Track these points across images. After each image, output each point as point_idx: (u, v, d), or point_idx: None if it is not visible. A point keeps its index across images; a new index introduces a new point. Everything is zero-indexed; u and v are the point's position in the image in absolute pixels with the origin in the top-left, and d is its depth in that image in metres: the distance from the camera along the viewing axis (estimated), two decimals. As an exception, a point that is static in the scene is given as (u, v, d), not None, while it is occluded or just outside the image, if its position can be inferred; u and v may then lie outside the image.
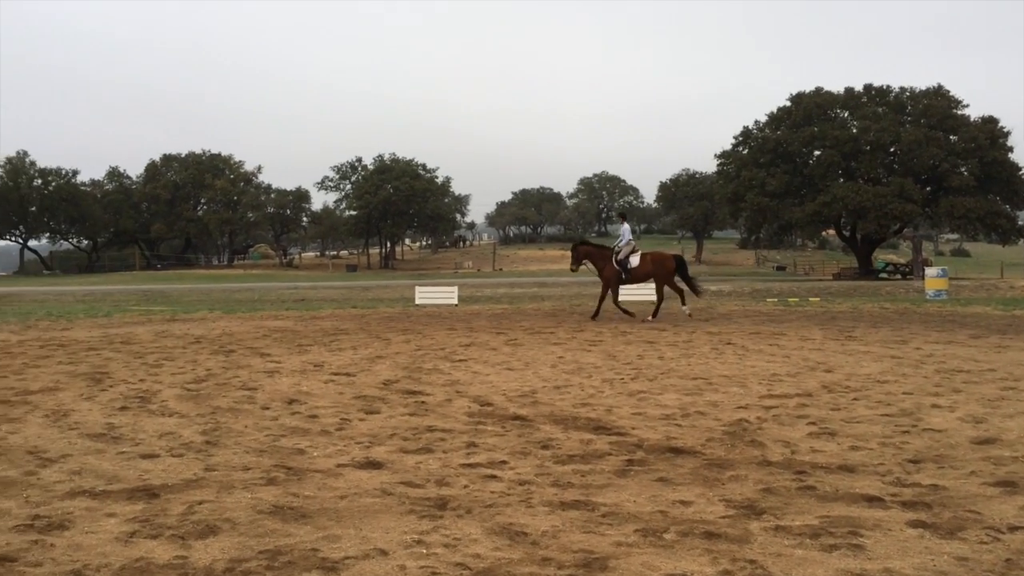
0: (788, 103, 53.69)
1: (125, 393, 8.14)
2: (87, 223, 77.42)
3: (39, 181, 74.75)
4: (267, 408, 7.37)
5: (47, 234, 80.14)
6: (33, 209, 74.51)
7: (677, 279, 17.67)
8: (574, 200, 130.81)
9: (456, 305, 23.23)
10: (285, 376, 9.31)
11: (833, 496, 4.61)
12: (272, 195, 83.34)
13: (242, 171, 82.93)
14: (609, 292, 17.81)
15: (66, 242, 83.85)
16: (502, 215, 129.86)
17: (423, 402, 7.68)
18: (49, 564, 3.66)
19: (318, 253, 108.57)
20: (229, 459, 5.53)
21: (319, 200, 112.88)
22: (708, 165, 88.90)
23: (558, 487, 4.82)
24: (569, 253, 18.74)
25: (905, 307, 20.62)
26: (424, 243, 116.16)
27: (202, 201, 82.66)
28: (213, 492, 4.75)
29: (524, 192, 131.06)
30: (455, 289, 25.28)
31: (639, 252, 17.68)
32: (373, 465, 5.36)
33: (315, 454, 5.68)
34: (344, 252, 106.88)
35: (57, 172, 75.72)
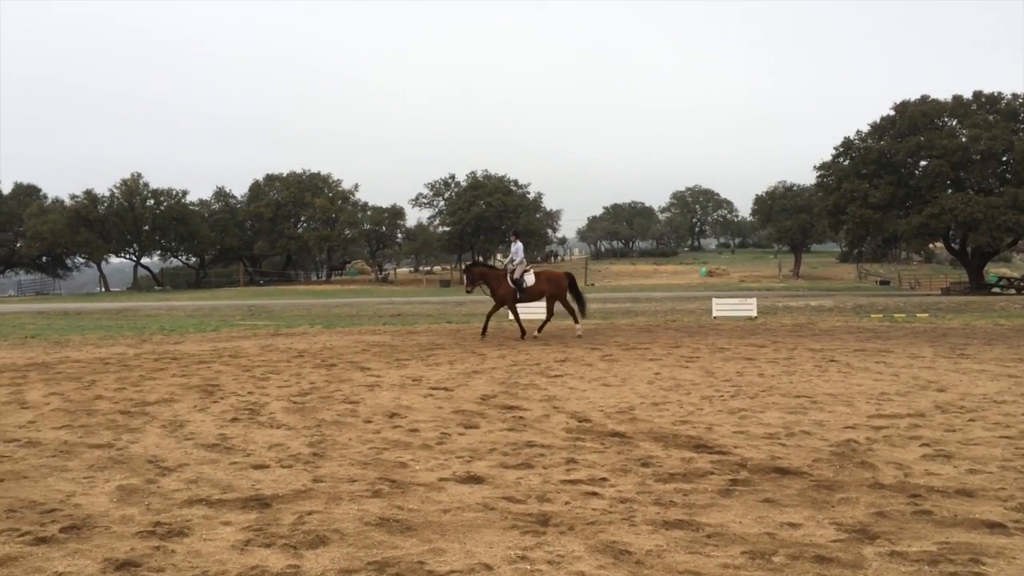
0: (892, 112, 51.84)
1: (235, 405, 8.45)
2: (195, 241, 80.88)
3: (151, 202, 78.49)
4: (369, 421, 7.54)
5: (159, 252, 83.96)
6: (146, 228, 78.24)
7: (569, 297, 17.71)
8: (666, 214, 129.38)
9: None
10: (385, 390, 9.50)
11: (951, 521, 4.41)
12: (368, 212, 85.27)
13: (340, 189, 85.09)
14: (501, 308, 17.69)
15: (176, 259, 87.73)
16: (593, 230, 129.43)
17: (521, 417, 7.72)
18: (171, 570, 3.83)
19: (412, 269, 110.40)
20: (335, 471, 5.67)
21: (413, 217, 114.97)
22: (805, 177, 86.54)
23: (660, 506, 4.77)
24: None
25: (1021, 324, 19.58)
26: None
27: (302, 219, 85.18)
28: (322, 503, 4.88)
29: (615, 207, 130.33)
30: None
31: (532, 270, 17.54)
32: (474, 480, 5.42)
33: (417, 468, 5.78)
34: (437, 267, 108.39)
35: (168, 193, 79.37)
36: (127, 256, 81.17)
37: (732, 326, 19.87)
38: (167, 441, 6.70)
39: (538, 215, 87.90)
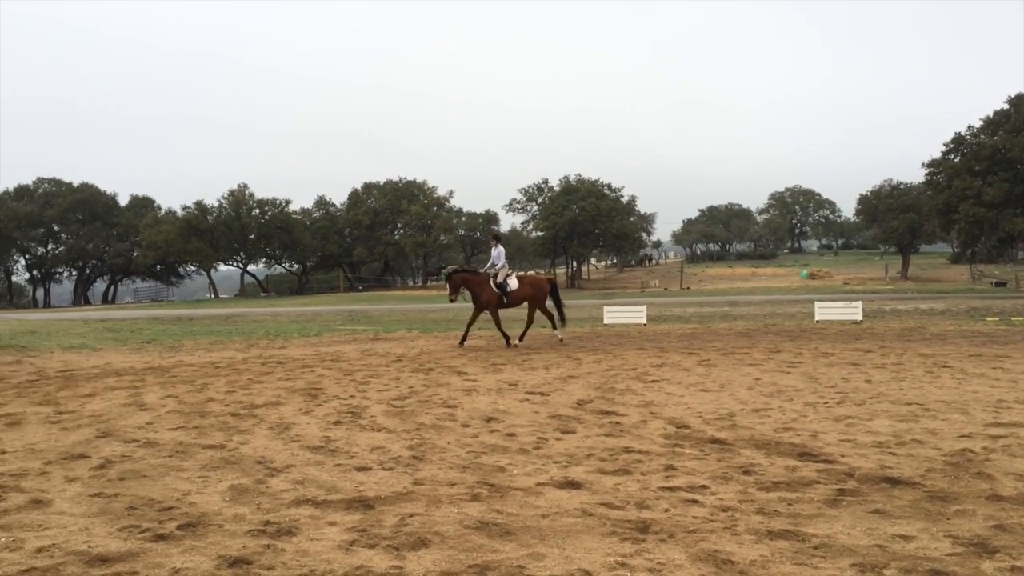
0: (1006, 106, 49.29)
1: (338, 408, 8.68)
2: (298, 248, 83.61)
3: (257, 211, 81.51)
4: (467, 425, 7.62)
5: (263, 259, 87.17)
6: (252, 237, 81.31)
7: (548, 303, 17.28)
8: (764, 216, 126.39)
9: (644, 324, 23.02)
10: (482, 394, 9.60)
11: (1080, 538, 4.16)
12: (463, 218, 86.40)
13: (435, 196, 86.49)
14: (486, 314, 17.09)
15: (280, 266, 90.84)
16: (689, 233, 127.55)
17: (618, 423, 7.67)
18: (280, 568, 3.96)
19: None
20: (435, 474, 5.76)
21: (507, 222, 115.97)
22: (913, 175, 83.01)
23: (764, 515, 4.66)
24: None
25: None
26: (610, 262, 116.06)
27: (399, 225, 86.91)
28: (422, 505, 4.97)
29: (711, 209, 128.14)
30: (643, 308, 25.08)
31: (514, 274, 17.10)
32: (572, 485, 5.41)
33: (515, 472, 5.81)
34: (531, 272, 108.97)
35: (272, 202, 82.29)
36: (234, 264, 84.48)
37: (836, 330, 19.24)
38: (274, 443, 6.93)
39: (632, 218, 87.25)
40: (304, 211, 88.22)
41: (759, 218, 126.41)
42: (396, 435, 7.21)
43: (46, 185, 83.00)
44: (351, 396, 9.57)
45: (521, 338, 16.81)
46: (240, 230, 79.73)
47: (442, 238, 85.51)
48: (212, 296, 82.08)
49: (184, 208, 79.26)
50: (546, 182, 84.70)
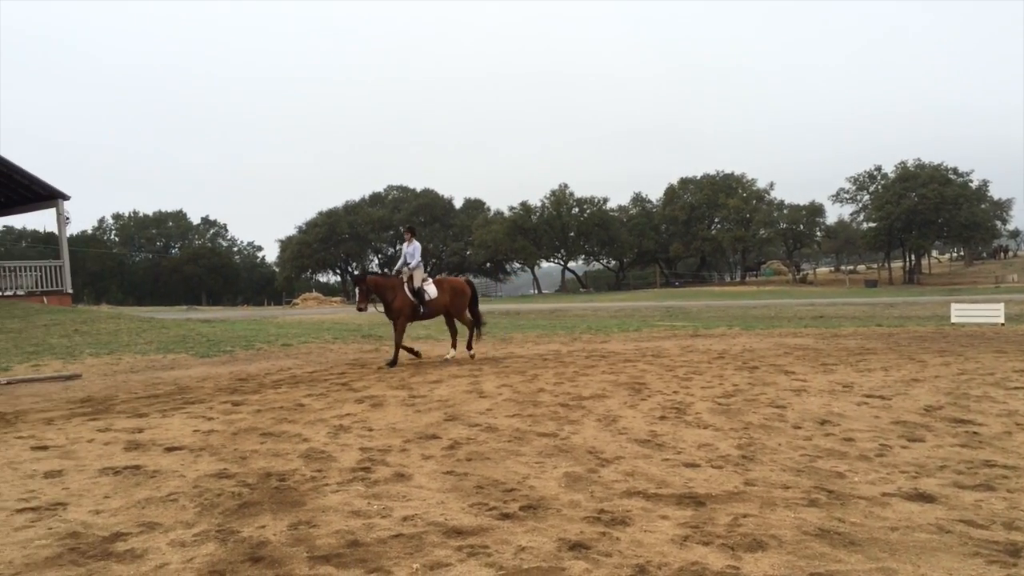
0: None
1: (662, 403, 8.73)
2: (615, 245, 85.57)
3: (576, 210, 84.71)
4: (798, 427, 7.28)
5: (583, 256, 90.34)
6: (572, 234, 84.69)
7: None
8: None
9: (1002, 324, 20.43)
10: (813, 395, 9.10)
11: None
12: (784, 211, 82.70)
13: (754, 189, 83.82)
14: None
15: (598, 263, 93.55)
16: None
17: (975, 433, 6.87)
18: (616, 556, 4.06)
19: (833, 268, 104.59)
20: (767, 475, 5.57)
21: (834, 213, 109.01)
22: None
23: None
24: None
25: None
26: (955, 255, 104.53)
27: (716, 220, 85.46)
28: (756, 507, 4.83)
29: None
30: (1000, 306, 22.24)
31: (430, 279, 14.11)
32: (924, 498, 4.95)
33: (856, 479, 5.44)
34: (861, 267, 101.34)
35: (591, 201, 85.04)
36: (555, 260, 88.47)
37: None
38: (603, 434, 7.13)
39: (983, 205, 77.69)
40: (621, 208, 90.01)
41: None
42: (723, 433, 7.08)
43: (395, 192, 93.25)
44: (674, 392, 9.56)
45: (469, 346, 14.44)
46: (561, 228, 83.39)
47: (762, 232, 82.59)
48: (535, 292, 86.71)
49: (511, 209, 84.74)
50: (879, 169, 78.34)
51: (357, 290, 13.59)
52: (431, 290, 13.83)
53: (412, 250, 13.90)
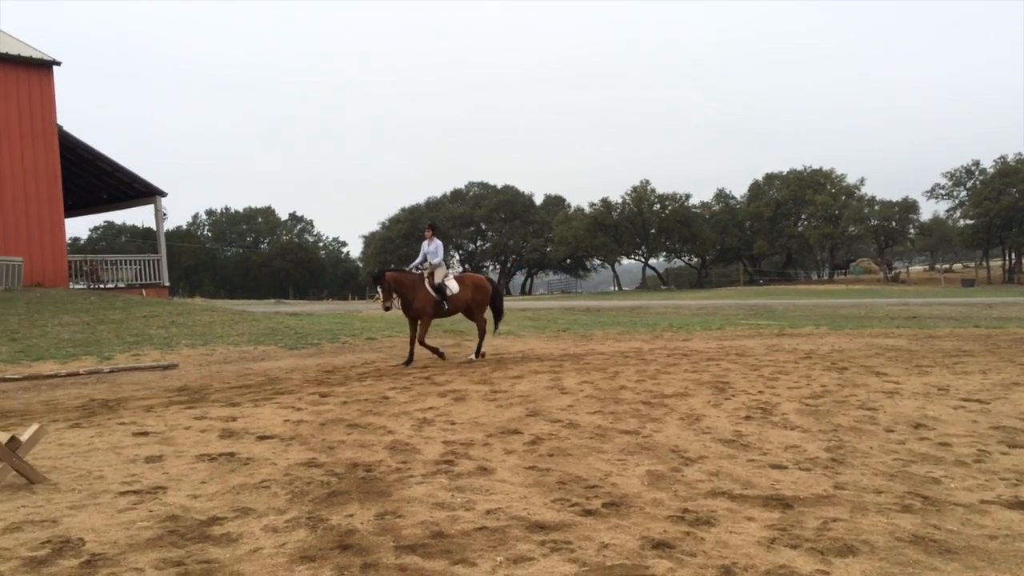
0: None
1: (747, 403, 8.57)
2: (697, 242, 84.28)
3: (657, 206, 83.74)
4: (891, 431, 7.05)
5: (664, 253, 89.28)
6: (653, 231, 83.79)
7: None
8: None
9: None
10: (906, 398, 8.80)
11: None
12: (875, 207, 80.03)
13: (843, 184, 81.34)
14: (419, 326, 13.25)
15: (679, 260, 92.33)
16: None
17: (1083, 441, 6.54)
18: (701, 556, 4.02)
19: (926, 267, 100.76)
20: (858, 479, 5.42)
21: (928, 210, 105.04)
22: None
23: None
24: None
25: None
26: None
27: (803, 217, 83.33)
28: (846, 511, 4.71)
29: None
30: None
31: (452, 274, 13.73)
32: (1026, 507, 4.74)
33: (952, 485, 5.25)
34: (957, 265, 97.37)
35: (672, 197, 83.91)
36: (636, 257, 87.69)
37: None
38: (686, 433, 7.06)
39: (1091, 201, 73.62)
40: (703, 204, 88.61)
41: None
42: (811, 435, 6.91)
43: (476, 188, 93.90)
44: (759, 392, 9.38)
45: (478, 352, 13.87)
46: (642, 225, 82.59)
47: (851, 229, 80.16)
48: (615, 288, 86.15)
49: (591, 205, 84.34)
50: (977, 164, 75.14)
51: (378, 289, 13.03)
52: (452, 285, 13.52)
53: (434, 248, 13.62)
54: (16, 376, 11.79)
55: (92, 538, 4.38)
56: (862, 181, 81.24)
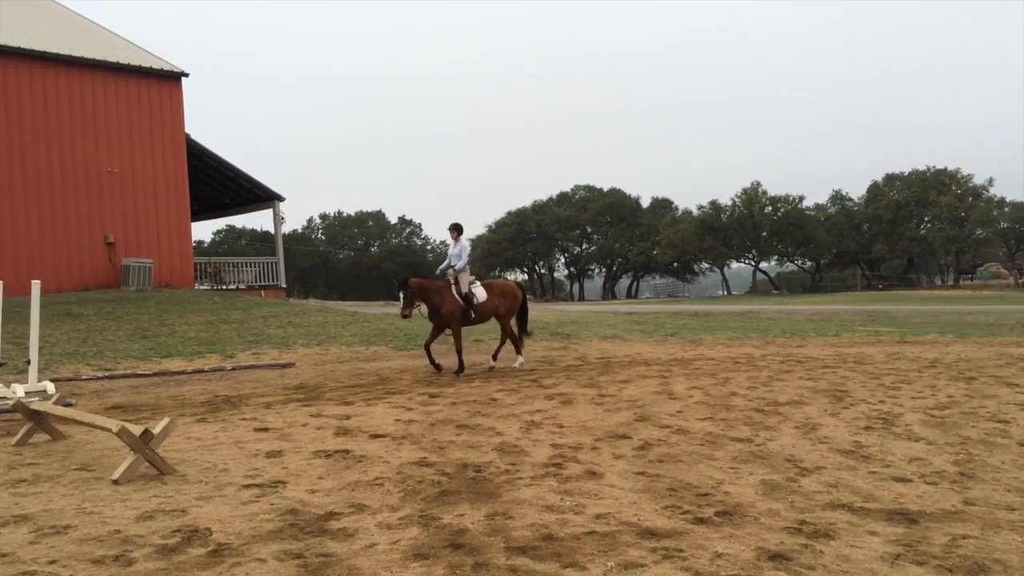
0: None
1: (867, 413, 8.24)
2: (811, 245, 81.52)
3: (769, 208, 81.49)
4: (1025, 445, 6.65)
5: (775, 256, 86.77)
6: (764, 234, 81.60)
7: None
8: None
9: None
10: (1042, 411, 8.28)
11: None
12: (1005, 209, 75.55)
13: (970, 185, 77.14)
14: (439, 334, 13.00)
15: (792, 264, 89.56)
16: None
17: None
18: (820, 570, 3.89)
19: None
20: (989, 495, 5.14)
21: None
22: None
23: None
24: None
25: None
26: None
27: (925, 219, 79.49)
28: (977, 528, 4.47)
29: None
30: None
31: (477, 282, 13.22)
32: None
33: (1096, 506, 4.90)
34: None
35: (785, 199, 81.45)
36: (746, 261, 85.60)
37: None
38: (802, 442, 6.84)
39: None
40: (818, 207, 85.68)
41: None
42: (937, 447, 6.59)
43: (582, 192, 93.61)
44: (880, 401, 9.00)
45: (495, 356, 13.48)
46: (752, 228, 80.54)
47: (979, 232, 75.93)
48: (724, 293, 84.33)
49: (699, 208, 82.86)
50: (1120, 161, 69.88)
51: (400, 295, 12.41)
52: (480, 293, 13.03)
53: (459, 251, 13.11)
54: (147, 372, 12.50)
55: (218, 528, 4.60)
56: (990, 182, 76.89)
